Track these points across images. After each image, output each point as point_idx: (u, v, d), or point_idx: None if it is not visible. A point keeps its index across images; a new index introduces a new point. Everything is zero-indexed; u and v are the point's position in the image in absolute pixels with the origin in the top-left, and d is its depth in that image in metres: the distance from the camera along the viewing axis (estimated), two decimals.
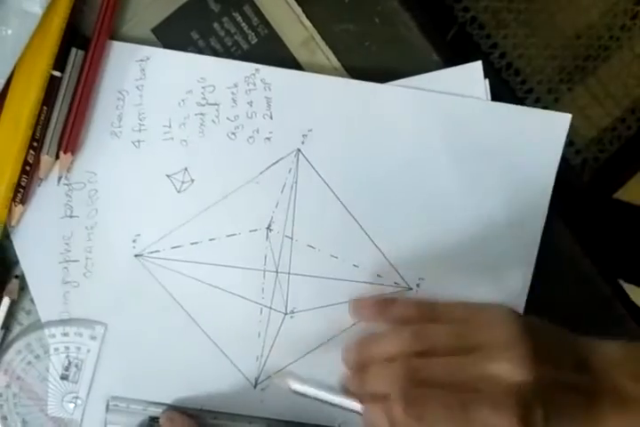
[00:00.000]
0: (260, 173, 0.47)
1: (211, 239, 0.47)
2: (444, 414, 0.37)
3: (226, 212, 0.47)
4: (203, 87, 0.47)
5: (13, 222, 0.46)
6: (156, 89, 0.47)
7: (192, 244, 0.47)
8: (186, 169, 0.47)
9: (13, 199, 0.46)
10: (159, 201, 0.47)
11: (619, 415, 0.39)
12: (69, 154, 0.46)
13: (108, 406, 0.47)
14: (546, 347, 0.39)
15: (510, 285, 0.48)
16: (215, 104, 0.47)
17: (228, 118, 0.47)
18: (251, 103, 0.47)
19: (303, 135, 0.47)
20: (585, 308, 0.50)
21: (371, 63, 0.48)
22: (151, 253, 0.47)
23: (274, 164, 0.47)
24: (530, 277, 0.48)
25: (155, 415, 0.47)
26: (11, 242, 0.47)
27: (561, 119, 0.49)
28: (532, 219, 0.48)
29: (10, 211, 0.46)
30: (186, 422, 0.47)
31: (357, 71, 0.48)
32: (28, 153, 0.45)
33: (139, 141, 0.47)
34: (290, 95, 0.47)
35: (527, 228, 0.48)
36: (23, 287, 0.47)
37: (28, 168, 0.45)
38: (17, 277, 0.47)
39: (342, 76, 0.48)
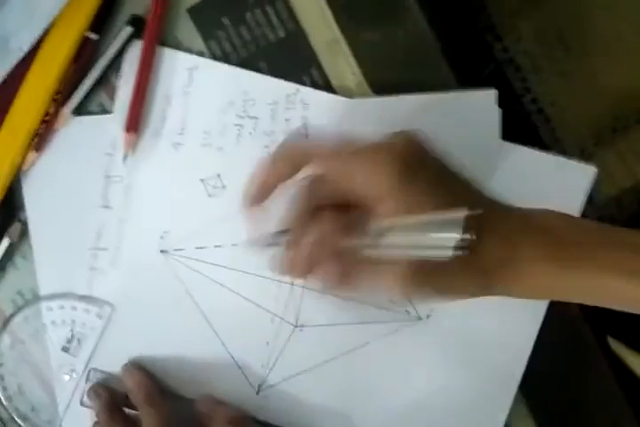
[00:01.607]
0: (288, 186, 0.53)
1: (233, 244, 0.53)
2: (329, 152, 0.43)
3: None
4: (244, 100, 0.53)
5: (25, 167, 0.52)
6: (200, 96, 0.53)
7: (215, 247, 0.53)
8: (219, 175, 0.53)
9: (29, 146, 0.52)
10: (190, 202, 0.53)
11: (530, 241, 0.41)
12: (133, 133, 0.52)
13: (88, 376, 0.53)
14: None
15: (520, 321, 0.53)
16: (254, 117, 0.53)
17: (264, 132, 0.53)
18: (288, 121, 0.53)
19: None
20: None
21: (388, 73, 0.53)
22: (176, 250, 0.53)
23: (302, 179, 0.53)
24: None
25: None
26: (20, 186, 0.53)
27: (586, 172, 0.52)
28: None
29: (25, 156, 0.52)
30: (142, 376, 0.52)
31: (374, 78, 0.53)
32: (49, 105, 0.52)
33: (178, 144, 0.53)
34: (326, 117, 0.52)
35: None
36: (24, 233, 0.53)
37: (46, 118, 0.52)
38: (20, 221, 0.53)
39: (358, 80, 0.53)
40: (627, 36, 1.10)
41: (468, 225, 0.37)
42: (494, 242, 0.41)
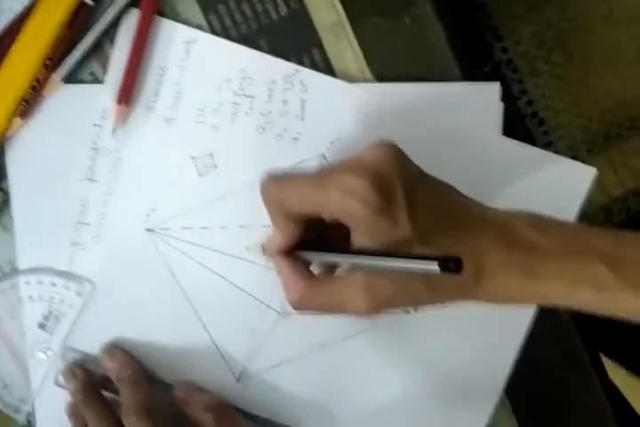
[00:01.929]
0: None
1: (221, 227, 0.51)
2: (301, 180, 0.42)
3: (241, 203, 0.51)
4: (242, 78, 0.51)
5: (9, 133, 0.50)
6: (196, 72, 0.51)
7: (202, 228, 0.51)
8: (211, 154, 0.51)
9: (14, 112, 0.50)
10: (179, 181, 0.51)
11: (500, 249, 0.42)
12: (124, 105, 0.50)
13: (64, 355, 0.51)
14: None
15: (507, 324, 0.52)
16: (251, 97, 0.51)
17: (260, 113, 0.51)
18: (285, 102, 0.51)
19: (330, 142, 0.51)
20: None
21: (391, 60, 0.52)
22: (162, 229, 0.51)
23: (297, 164, 0.51)
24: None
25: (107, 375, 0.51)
26: (3, 154, 0.51)
27: (586, 172, 0.52)
28: None
29: (9, 122, 0.50)
30: (126, 357, 0.51)
31: (377, 65, 0.52)
32: (39, 70, 0.50)
33: (170, 119, 0.51)
34: (324, 101, 0.51)
35: None
36: (5, 202, 0.51)
37: (35, 84, 0.50)
38: (2, 190, 0.51)
39: (361, 66, 0.52)
40: (625, 44, 1.10)
41: (447, 266, 0.36)
42: (463, 253, 0.40)
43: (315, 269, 0.45)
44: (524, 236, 0.42)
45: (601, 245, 0.42)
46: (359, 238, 0.41)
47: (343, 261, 0.42)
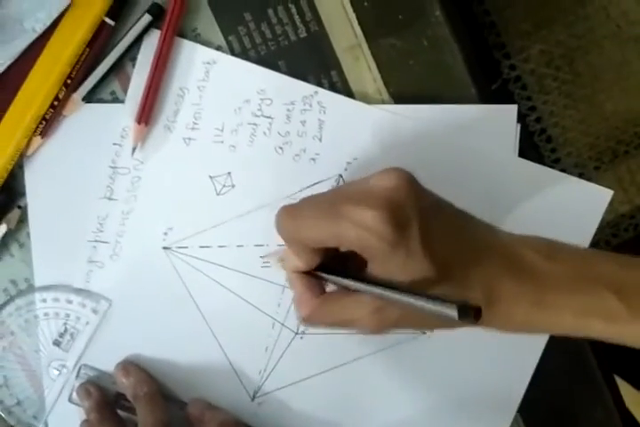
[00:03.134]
0: (300, 190, 0.51)
1: (238, 246, 0.51)
2: (314, 212, 0.41)
3: (258, 222, 0.51)
4: (261, 99, 0.51)
5: (29, 152, 0.51)
6: (215, 92, 0.51)
7: (220, 247, 0.51)
8: (229, 173, 0.51)
9: (34, 131, 0.50)
10: (197, 200, 0.51)
11: (511, 279, 0.41)
12: (144, 124, 0.50)
13: (78, 373, 0.51)
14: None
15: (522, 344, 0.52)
16: (269, 117, 0.51)
17: (278, 133, 0.51)
18: (303, 123, 0.52)
19: (347, 162, 0.52)
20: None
21: (409, 81, 0.52)
22: (179, 248, 0.51)
23: (314, 184, 0.52)
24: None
25: (122, 392, 0.51)
26: (22, 172, 0.51)
27: (602, 194, 0.52)
28: None
29: (29, 141, 0.50)
30: (142, 375, 0.51)
31: (394, 86, 0.52)
32: (60, 89, 0.50)
33: (189, 139, 0.51)
34: (342, 122, 0.52)
35: None
36: (23, 220, 0.51)
37: (55, 103, 0.50)
38: (20, 207, 0.51)
39: (378, 87, 0.52)
40: (633, 62, 1.11)
41: (466, 314, 0.36)
42: (474, 284, 0.41)
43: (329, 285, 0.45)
44: (533, 264, 0.42)
45: (610, 273, 0.42)
46: (375, 269, 0.41)
47: (358, 287, 0.41)
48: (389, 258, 0.39)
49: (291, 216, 0.42)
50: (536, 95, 1.09)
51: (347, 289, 0.42)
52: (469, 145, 0.51)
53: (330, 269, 0.43)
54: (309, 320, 0.44)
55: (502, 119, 0.52)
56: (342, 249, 0.41)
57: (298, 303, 0.44)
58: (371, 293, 0.40)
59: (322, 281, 0.44)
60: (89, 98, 0.51)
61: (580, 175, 1.15)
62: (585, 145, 1.11)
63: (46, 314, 0.51)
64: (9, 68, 0.49)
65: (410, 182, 0.41)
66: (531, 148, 1.09)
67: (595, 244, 1.14)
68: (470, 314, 0.35)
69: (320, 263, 0.43)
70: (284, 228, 0.42)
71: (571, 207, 0.52)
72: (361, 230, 0.39)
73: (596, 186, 0.52)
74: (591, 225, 0.52)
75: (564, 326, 0.42)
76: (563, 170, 1.19)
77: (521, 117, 0.53)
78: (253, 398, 0.52)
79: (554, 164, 1.10)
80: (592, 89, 1.10)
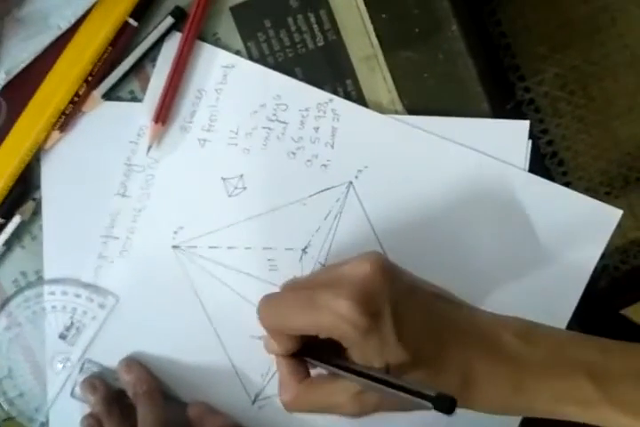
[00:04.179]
0: (310, 195, 0.52)
1: (247, 248, 0.52)
2: (293, 303, 0.42)
3: (268, 225, 0.52)
4: (276, 104, 0.52)
5: (47, 146, 0.52)
6: (232, 96, 0.52)
7: (229, 248, 0.52)
8: (241, 176, 0.52)
9: (53, 125, 0.51)
10: (209, 200, 0.52)
11: (487, 363, 0.42)
12: (160, 124, 0.51)
13: (82, 367, 0.52)
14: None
15: None
16: (284, 122, 0.52)
17: (292, 138, 0.52)
18: (317, 129, 0.52)
19: (358, 170, 0.52)
20: None
21: (423, 93, 0.53)
22: (189, 247, 0.52)
23: (324, 190, 0.52)
24: None
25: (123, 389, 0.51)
26: (39, 165, 0.52)
27: (611, 214, 0.53)
28: (561, 309, 0.53)
29: (48, 135, 0.51)
30: (143, 372, 0.51)
31: (408, 97, 0.53)
32: (80, 86, 0.51)
33: (204, 140, 0.52)
34: (355, 130, 0.52)
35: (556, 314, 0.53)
36: (37, 212, 0.52)
37: (75, 99, 0.51)
38: (34, 199, 0.52)
39: (392, 97, 0.53)
40: None
41: (440, 407, 0.37)
42: (451, 368, 0.42)
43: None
44: (510, 347, 0.43)
45: (587, 358, 0.42)
46: (353, 355, 0.42)
47: (338, 373, 0.42)
48: (364, 345, 0.41)
49: (271, 307, 0.44)
50: (549, 118, 1.10)
51: (331, 374, 0.43)
52: (480, 159, 0.52)
53: (313, 352, 0.44)
54: (291, 406, 0.44)
55: (514, 134, 0.52)
56: (321, 336, 0.42)
57: (280, 388, 0.45)
58: (351, 380, 0.41)
59: (305, 364, 0.45)
60: (108, 96, 0.52)
61: None
62: (597, 170, 1.12)
63: (54, 307, 0.51)
64: (32, 62, 0.50)
65: (383, 269, 0.42)
66: (542, 170, 1.09)
67: (604, 269, 1.14)
68: (446, 406, 0.36)
69: (302, 347, 0.44)
70: (265, 318, 0.44)
71: (579, 225, 0.53)
72: (336, 319, 0.40)
73: (606, 205, 0.53)
74: (599, 244, 0.53)
75: (540, 409, 0.43)
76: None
77: (533, 140, 0.54)
78: (254, 401, 0.53)
79: (565, 186, 1.10)
80: (605, 114, 1.11)
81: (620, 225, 0.98)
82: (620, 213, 0.53)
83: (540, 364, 0.42)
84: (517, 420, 0.53)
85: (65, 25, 0.50)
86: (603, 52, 1.11)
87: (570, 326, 0.53)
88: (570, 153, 1.12)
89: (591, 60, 1.11)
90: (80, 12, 0.50)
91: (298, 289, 0.44)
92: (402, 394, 0.38)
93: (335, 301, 0.40)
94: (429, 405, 0.36)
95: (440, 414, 0.36)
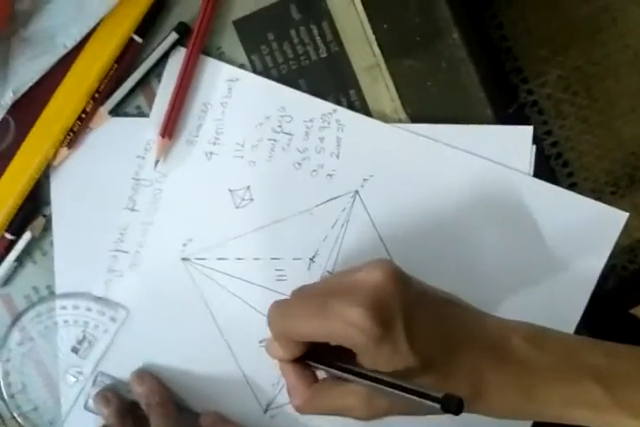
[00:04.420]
0: (316, 205, 0.53)
1: (255, 258, 0.53)
2: (304, 310, 0.42)
3: (276, 235, 0.53)
4: (281, 116, 0.53)
5: (56, 163, 0.52)
6: (237, 109, 0.53)
7: (237, 259, 0.53)
8: (248, 188, 0.53)
9: (62, 142, 0.52)
10: (217, 212, 0.53)
11: (497, 368, 0.42)
12: (167, 138, 0.52)
13: (95, 380, 0.52)
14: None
15: None
16: (289, 134, 0.53)
17: (297, 149, 0.53)
18: (322, 140, 0.53)
19: (364, 179, 0.53)
20: None
21: (426, 101, 0.54)
22: (198, 259, 0.53)
23: (330, 199, 0.53)
24: None
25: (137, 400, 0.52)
26: (48, 182, 0.53)
27: (617, 216, 0.53)
28: (569, 313, 0.53)
29: (56, 152, 0.52)
30: (155, 383, 0.52)
31: (412, 106, 0.54)
32: (87, 102, 0.52)
33: (211, 153, 0.53)
34: (359, 140, 0.53)
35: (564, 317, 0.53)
36: (47, 228, 0.53)
37: (83, 116, 0.52)
38: (45, 216, 0.53)
39: (396, 106, 0.53)
40: None
41: (449, 408, 0.37)
42: (460, 374, 0.42)
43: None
44: (519, 352, 0.43)
45: (596, 362, 0.43)
46: (363, 361, 0.42)
47: (347, 377, 0.42)
48: (376, 353, 0.41)
49: (281, 313, 0.44)
50: (552, 120, 1.10)
51: (338, 377, 0.43)
52: (485, 165, 0.52)
53: (320, 357, 0.44)
54: (302, 410, 0.45)
55: (518, 140, 0.53)
56: (332, 344, 0.42)
57: (290, 393, 0.45)
58: (359, 383, 0.41)
59: (311, 367, 0.45)
60: (115, 111, 0.53)
61: (597, 200, 1.16)
62: (601, 170, 1.12)
63: (66, 321, 0.52)
64: (39, 81, 0.51)
65: (395, 276, 0.42)
66: (547, 172, 1.09)
67: (612, 268, 1.14)
68: (453, 406, 0.36)
69: (308, 352, 0.44)
70: (275, 324, 0.44)
71: (586, 229, 0.53)
72: (348, 327, 0.40)
73: (612, 208, 0.53)
74: (606, 247, 0.53)
75: (549, 414, 0.43)
76: (579, 195, 1.19)
77: (537, 141, 0.54)
78: (266, 410, 0.53)
79: (570, 188, 1.09)
80: (609, 115, 1.11)
81: (626, 225, 0.98)
82: (626, 215, 0.53)
83: (548, 368, 0.43)
84: (528, 424, 0.53)
85: (71, 43, 0.50)
86: (604, 53, 1.11)
87: (578, 328, 0.53)
88: (574, 154, 1.12)
89: (593, 61, 1.11)
90: (85, 31, 0.50)
91: (308, 296, 0.45)
92: (408, 396, 0.38)
93: (347, 308, 0.40)
94: (437, 406, 0.36)
95: (450, 416, 0.36)
